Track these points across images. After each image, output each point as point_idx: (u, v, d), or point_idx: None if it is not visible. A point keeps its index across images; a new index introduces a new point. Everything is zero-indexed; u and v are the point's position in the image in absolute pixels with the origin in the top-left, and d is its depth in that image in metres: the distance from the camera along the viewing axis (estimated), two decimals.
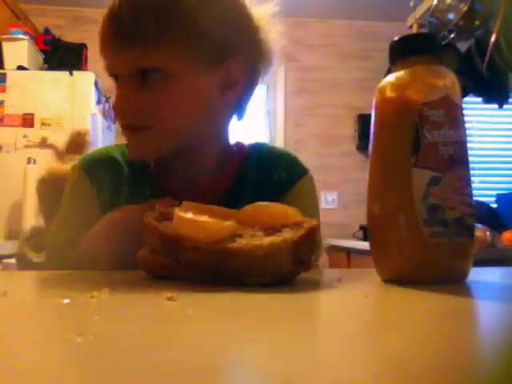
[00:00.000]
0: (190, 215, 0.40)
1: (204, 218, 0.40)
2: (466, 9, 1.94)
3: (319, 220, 0.79)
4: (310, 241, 0.40)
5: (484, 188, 3.46)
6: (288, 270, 0.39)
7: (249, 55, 0.67)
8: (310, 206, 0.75)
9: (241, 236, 0.39)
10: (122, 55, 0.63)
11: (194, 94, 0.65)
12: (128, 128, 0.65)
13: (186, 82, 0.63)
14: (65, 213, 0.73)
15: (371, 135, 0.45)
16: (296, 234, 0.39)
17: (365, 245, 2.42)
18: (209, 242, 0.38)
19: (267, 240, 0.38)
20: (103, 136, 2.81)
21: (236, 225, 0.41)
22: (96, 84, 2.76)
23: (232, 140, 0.75)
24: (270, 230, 0.40)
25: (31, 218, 2.18)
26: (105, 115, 2.92)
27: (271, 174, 0.74)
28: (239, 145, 0.77)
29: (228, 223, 0.40)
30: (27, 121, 2.57)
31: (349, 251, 2.67)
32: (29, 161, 2.38)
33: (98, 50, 0.66)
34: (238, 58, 0.65)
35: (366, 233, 2.95)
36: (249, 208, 0.43)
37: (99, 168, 0.73)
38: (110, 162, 0.73)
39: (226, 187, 0.71)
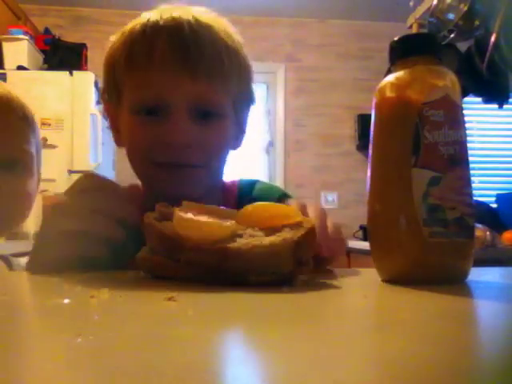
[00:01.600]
0: (189, 215, 0.40)
1: (204, 219, 0.40)
2: (465, 9, 1.94)
3: None
4: (310, 241, 0.40)
5: (484, 188, 3.46)
6: (288, 269, 0.39)
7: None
8: None
9: (241, 236, 0.39)
10: (186, 85, 0.59)
11: (231, 137, 0.67)
12: (174, 166, 0.60)
13: (230, 123, 0.65)
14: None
15: (371, 135, 0.45)
16: (296, 234, 0.39)
17: (365, 245, 2.42)
18: (209, 242, 0.38)
19: (267, 240, 0.38)
20: (103, 136, 2.81)
21: (236, 225, 0.41)
22: (96, 84, 2.76)
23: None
24: (270, 229, 0.40)
25: (32, 219, 2.18)
26: (105, 115, 2.92)
27: None
28: (226, 186, 0.75)
29: (228, 223, 0.40)
30: None
31: (349, 251, 2.67)
32: None
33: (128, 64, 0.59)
34: (249, 110, 0.71)
35: (365, 233, 2.95)
36: (249, 208, 0.43)
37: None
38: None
39: None
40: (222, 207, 0.46)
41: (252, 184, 0.77)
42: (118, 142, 0.68)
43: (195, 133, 0.59)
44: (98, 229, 0.47)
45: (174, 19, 0.59)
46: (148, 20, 0.61)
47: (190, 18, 0.60)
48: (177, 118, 0.59)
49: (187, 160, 0.60)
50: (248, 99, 0.70)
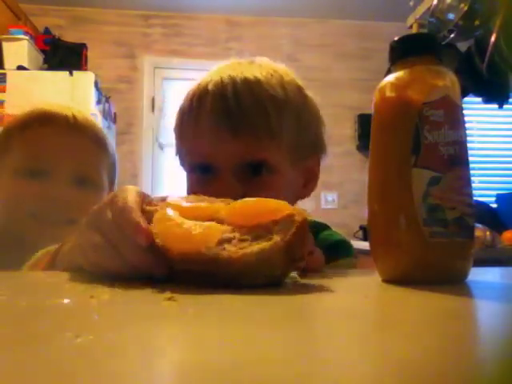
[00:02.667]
0: (172, 222, 0.39)
1: (187, 225, 0.39)
2: (466, 9, 1.94)
3: None
4: (301, 236, 0.39)
5: (484, 188, 3.46)
6: (281, 270, 0.38)
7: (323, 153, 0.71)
8: None
9: (229, 241, 0.38)
10: (230, 147, 0.59)
11: (290, 188, 0.66)
12: None
13: (286, 177, 0.64)
14: None
15: (371, 135, 0.45)
16: (286, 233, 0.37)
17: (365, 245, 2.41)
18: (195, 252, 0.37)
19: (257, 247, 0.37)
20: None
21: (222, 228, 0.39)
22: (96, 84, 2.76)
23: None
24: (260, 229, 0.38)
25: None
26: (105, 115, 2.92)
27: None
28: None
29: (213, 232, 0.38)
30: None
31: None
32: None
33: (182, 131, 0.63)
34: (318, 156, 0.70)
35: (366, 233, 2.95)
36: (237, 204, 0.42)
37: None
38: None
39: None
40: (211, 198, 0.44)
41: (318, 229, 0.74)
42: None
43: (242, 192, 0.58)
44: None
45: (221, 81, 0.61)
46: (199, 85, 0.63)
47: (238, 75, 0.61)
48: (222, 179, 0.60)
49: None
50: (313, 146, 0.68)
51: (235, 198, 0.56)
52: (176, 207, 0.42)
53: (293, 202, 0.67)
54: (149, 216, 0.41)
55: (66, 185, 0.83)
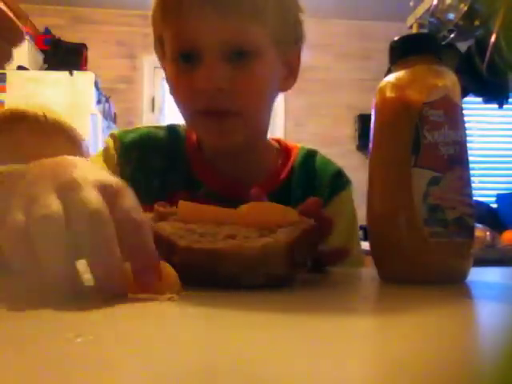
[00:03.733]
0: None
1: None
2: (466, 9, 1.94)
3: (357, 231, 0.76)
4: (306, 241, 0.39)
5: (484, 188, 3.46)
6: (282, 271, 0.38)
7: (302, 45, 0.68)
8: (345, 219, 0.71)
9: (234, 237, 0.38)
10: (215, 26, 0.56)
11: (274, 77, 0.63)
12: (211, 113, 0.59)
13: (270, 64, 0.61)
14: None
15: (371, 135, 0.45)
16: (291, 236, 0.38)
17: (365, 245, 2.41)
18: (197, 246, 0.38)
19: (260, 242, 0.37)
20: (103, 136, 2.81)
21: (230, 226, 0.40)
22: (96, 84, 2.77)
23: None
24: (266, 230, 0.39)
25: None
26: (105, 115, 2.92)
27: (317, 187, 0.70)
28: (284, 146, 0.74)
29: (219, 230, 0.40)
30: None
31: None
32: None
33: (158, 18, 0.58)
34: (299, 47, 0.66)
35: (366, 233, 2.94)
36: (244, 208, 0.42)
37: (133, 151, 0.68)
38: (147, 145, 0.69)
39: (272, 191, 0.65)
40: (219, 207, 0.45)
41: (312, 155, 0.74)
42: (171, 93, 0.67)
43: (227, 75, 0.57)
44: None
45: None
46: None
47: None
48: (208, 62, 0.57)
49: (221, 105, 0.58)
50: (294, 34, 0.66)
51: (221, 83, 0.56)
52: (188, 208, 0.42)
53: (274, 93, 0.66)
54: (163, 216, 0.42)
55: None
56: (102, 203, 0.31)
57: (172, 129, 0.73)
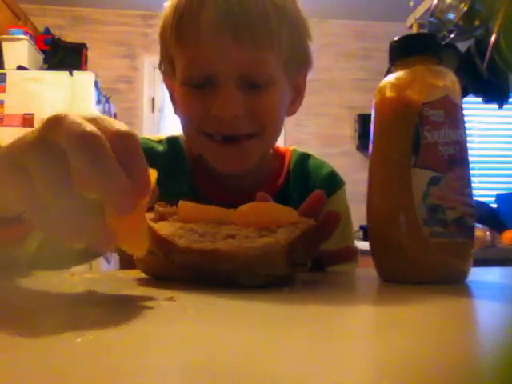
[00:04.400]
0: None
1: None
2: (466, 9, 1.95)
3: (351, 229, 0.79)
4: (306, 242, 0.39)
5: (484, 188, 3.46)
6: (282, 272, 0.38)
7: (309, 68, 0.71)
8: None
9: (234, 237, 0.38)
10: (233, 55, 0.57)
11: (285, 102, 0.66)
12: (227, 138, 0.60)
13: (282, 89, 0.63)
14: None
15: (371, 135, 0.45)
16: (290, 236, 0.38)
17: (365, 245, 2.41)
18: (196, 245, 0.38)
19: (260, 242, 0.37)
20: None
21: (226, 229, 0.40)
22: (96, 84, 2.76)
23: None
24: (265, 230, 0.39)
25: None
26: (105, 115, 2.92)
27: (312, 189, 0.71)
28: (277, 150, 0.75)
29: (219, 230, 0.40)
30: (27, 121, 2.58)
31: None
32: None
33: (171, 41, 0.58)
34: (306, 70, 0.70)
35: (366, 233, 2.95)
36: (244, 207, 0.42)
37: None
38: (148, 155, 0.69)
39: (272, 196, 0.67)
40: (218, 207, 0.45)
41: (305, 158, 0.76)
42: (176, 112, 0.68)
43: (244, 103, 0.58)
44: None
45: None
46: None
47: None
48: (224, 90, 0.58)
49: (237, 130, 0.59)
50: (303, 60, 0.68)
51: (237, 110, 0.58)
52: (187, 210, 0.42)
53: (283, 118, 0.67)
54: (163, 215, 0.42)
55: None
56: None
57: (172, 142, 0.73)
